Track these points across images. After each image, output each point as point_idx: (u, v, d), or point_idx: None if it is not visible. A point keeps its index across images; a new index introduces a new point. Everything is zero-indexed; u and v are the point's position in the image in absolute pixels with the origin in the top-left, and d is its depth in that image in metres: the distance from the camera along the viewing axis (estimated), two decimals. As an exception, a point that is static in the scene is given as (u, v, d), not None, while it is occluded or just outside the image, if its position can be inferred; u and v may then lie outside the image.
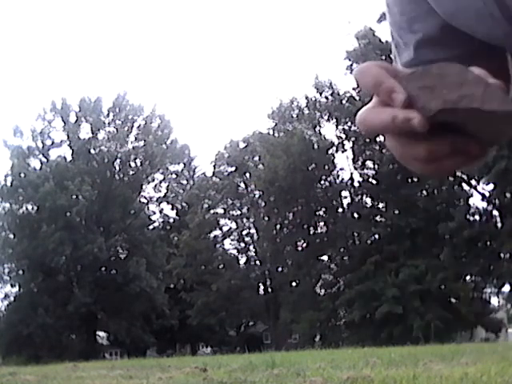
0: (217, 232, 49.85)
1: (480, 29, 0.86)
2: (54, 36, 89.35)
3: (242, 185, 49.16)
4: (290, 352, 19.44)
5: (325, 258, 45.02)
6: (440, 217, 38.56)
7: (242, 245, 49.73)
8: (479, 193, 40.38)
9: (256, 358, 11.36)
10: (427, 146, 0.67)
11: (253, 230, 49.18)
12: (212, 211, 48.86)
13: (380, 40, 40.17)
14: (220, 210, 49.59)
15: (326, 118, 45.40)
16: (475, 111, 0.63)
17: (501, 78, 0.99)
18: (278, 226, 46.63)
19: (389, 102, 0.66)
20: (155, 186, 52.79)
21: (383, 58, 35.28)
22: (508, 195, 37.31)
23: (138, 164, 51.12)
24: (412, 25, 0.96)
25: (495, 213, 39.06)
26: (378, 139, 43.39)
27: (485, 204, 39.82)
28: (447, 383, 5.54)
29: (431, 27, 0.94)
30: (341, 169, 45.27)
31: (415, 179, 41.09)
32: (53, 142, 49.89)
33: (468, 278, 40.59)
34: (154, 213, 53.52)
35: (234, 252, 50.19)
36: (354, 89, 43.49)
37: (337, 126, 44.68)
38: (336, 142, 44.80)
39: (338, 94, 44.94)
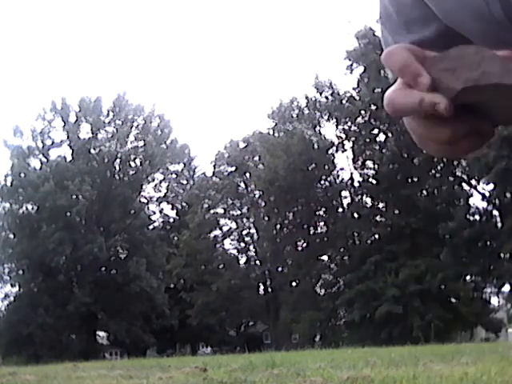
0: (217, 232, 49.90)
1: (478, 28, 0.84)
2: (53, 36, 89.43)
3: (242, 185, 49.16)
4: (289, 352, 19.41)
5: (325, 257, 45.03)
6: (440, 217, 38.52)
7: (242, 245, 49.74)
8: (479, 193, 40.41)
9: (256, 358, 11.33)
10: (450, 128, 0.70)
11: (253, 230, 49.19)
12: (212, 211, 48.86)
13: (380, 40, 40.13)
14: (220, 210, 49.60)
15: (325, 117, 45.40)
16: (495, 87, 0.68)
17: None
18: (278, 226, 46.63)
19: (414, 85, 0.69)
20: (155, 185, 52.84)
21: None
22: (508, 195, 37.31)
23: (138, 164, 51.12)
24: (409, 27, 0.96)
25: (495, 213, 39.05)
26: (377, 139, 43.46)
27: (485, 204, 39.85)
28: (447, 383, 5.54)
29: (429, 31, 0.94)
30: (341, 169, 45.31)
31: (415, 179, 41.12)
32: (53, 142, 49.91)
33: (468, 277, 40.57)
34: (154, 213, 53.62)
35: (234, 252, 50.24)
36: (354, 89, 43.54)
37: (337, 126, 44.67)
38: (336, 141, 44.82)
39: (338, 94, 44.93)
